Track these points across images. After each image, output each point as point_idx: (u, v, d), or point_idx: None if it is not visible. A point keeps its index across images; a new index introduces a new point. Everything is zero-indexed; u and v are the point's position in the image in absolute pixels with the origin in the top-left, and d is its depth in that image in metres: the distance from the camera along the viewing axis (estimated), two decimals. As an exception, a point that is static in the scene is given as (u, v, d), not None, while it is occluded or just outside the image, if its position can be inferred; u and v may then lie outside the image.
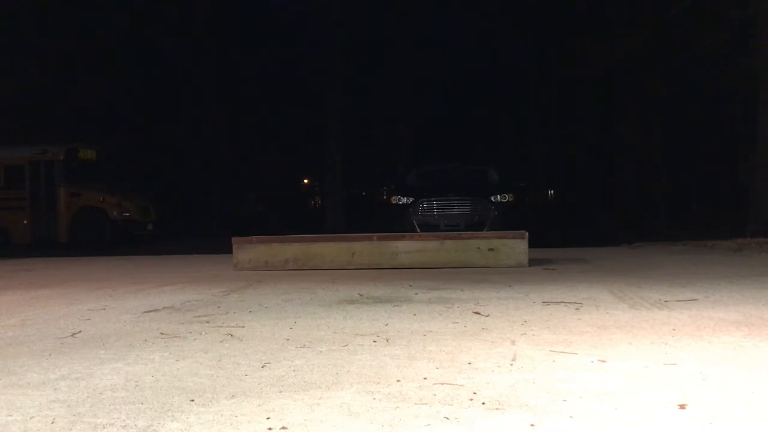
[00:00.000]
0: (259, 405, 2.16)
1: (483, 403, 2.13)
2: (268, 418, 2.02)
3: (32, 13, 19.42)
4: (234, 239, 7.22)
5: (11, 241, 14.77)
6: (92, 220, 14.78)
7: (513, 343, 3.05)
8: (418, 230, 10.68)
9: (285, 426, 1.95)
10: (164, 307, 4.37)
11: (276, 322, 3.72)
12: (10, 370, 2.72)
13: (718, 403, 2.08)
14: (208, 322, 3.74)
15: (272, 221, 21.48)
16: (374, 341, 3.14)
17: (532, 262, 6.83)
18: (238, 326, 3.59)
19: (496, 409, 2.07)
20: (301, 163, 30.93)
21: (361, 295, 4.74)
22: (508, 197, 11.71)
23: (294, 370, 2.61)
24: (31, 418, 2.08)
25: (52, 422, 2.03)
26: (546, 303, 4.20)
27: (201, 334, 3.42)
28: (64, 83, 19.76)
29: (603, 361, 2.66)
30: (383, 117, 28.14)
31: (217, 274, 6.72)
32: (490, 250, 6.86)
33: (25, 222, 14.96)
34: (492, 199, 11.58)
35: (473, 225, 10.98)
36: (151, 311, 4.23)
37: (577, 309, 3.96)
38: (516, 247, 6.86)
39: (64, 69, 20.15)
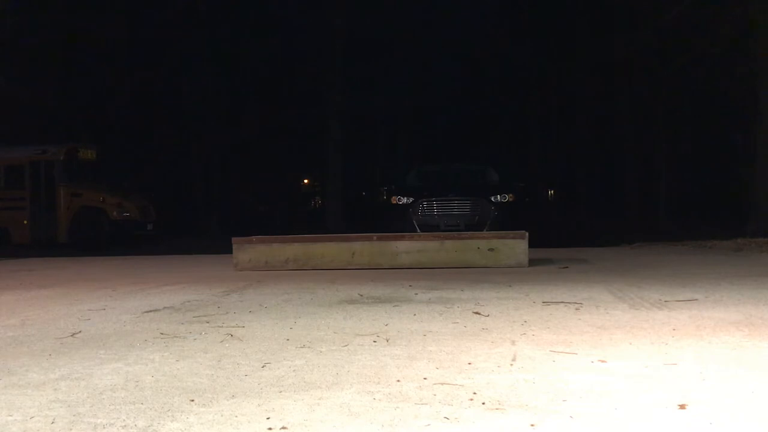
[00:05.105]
0: (259, 405, 2.16)
1: (483, 403, 2.13)
2: (268, 418, 2.02)
3: (31, 12, 19.43)
4: (234, 239, 7.22)
5: (11, 241, 14.77)
6: (92, 220, 14.77)
7: (513, 343, 3.05)
8: (418, 230, 10.68)
9: (285, 426, 1.95)
10: (164, 307, 4.37)
11: (276, 322, 3.72)
12: (10, 370, 2.72)
13: (718, 403, 2.08)
14: (208, 322, 3.74)
15: (277, 221, 21.47)
16: (374, 341, 3.14)
17: (532, 262, 6.83)
18: (238, 326, 3.59)
19: (496, 409, 2.07)
20: (301, 163, 30.94)
21: (361, 295, 4.73)
22: (508, 197, 11.70)
23: (294, 370, 2.60)
24: (31, 418, 2.08)
25: (52, 422, 2.03)
26: (546, 303, 4.20)
27: (201, 334, 3.42)
28: (64, 80, 19.78)
29: (603, 361, 2.66)
30: (384, 117, 28.18)
31: (217, 274, 6.72)
32: (490, 250, 6.86)
33: (25, 222, 14.96)
34: (492, 199, 11.58)
35: (473, 225, 10.98)
36: (151, 311, 4.23)
37: (577, 309, 3.96)
38: (516, 247, 6.86)
39: (63, 66, 20.18)
